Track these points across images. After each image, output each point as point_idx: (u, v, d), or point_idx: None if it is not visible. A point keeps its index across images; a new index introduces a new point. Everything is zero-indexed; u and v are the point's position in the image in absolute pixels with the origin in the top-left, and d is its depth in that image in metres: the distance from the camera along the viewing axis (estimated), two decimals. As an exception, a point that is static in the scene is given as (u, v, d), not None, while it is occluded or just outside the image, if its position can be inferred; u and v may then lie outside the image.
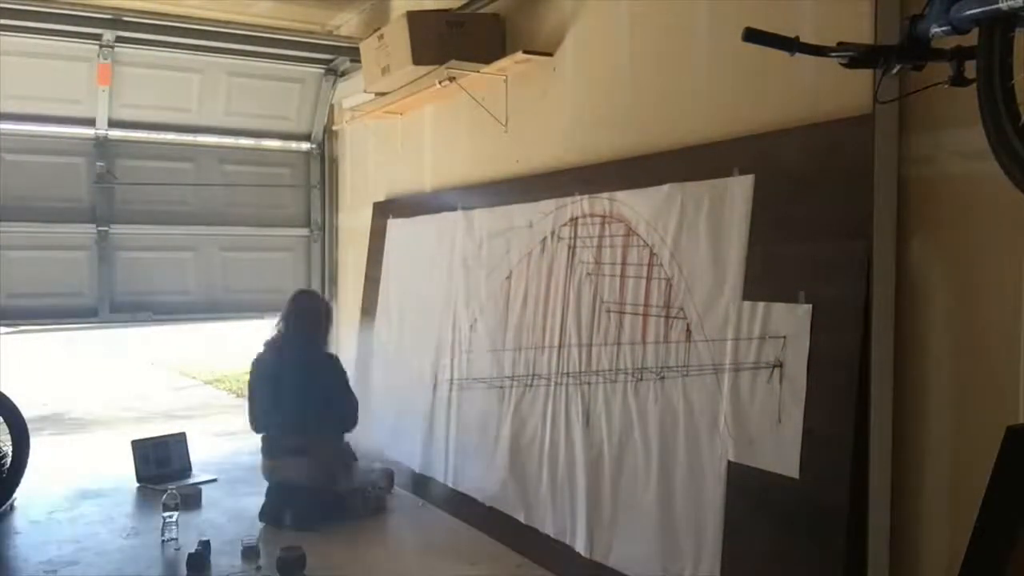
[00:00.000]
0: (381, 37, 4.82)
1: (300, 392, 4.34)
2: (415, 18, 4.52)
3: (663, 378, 3.23)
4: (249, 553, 3.91)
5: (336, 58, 6.34)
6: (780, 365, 2.77)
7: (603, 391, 3.52)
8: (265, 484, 4.51)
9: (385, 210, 5.82)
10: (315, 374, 4.42)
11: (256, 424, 4.53)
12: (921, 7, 1.91)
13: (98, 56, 5.77)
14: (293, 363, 4.42)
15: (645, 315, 3.36)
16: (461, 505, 4.48)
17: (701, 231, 3.13)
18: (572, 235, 3.84)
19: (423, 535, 4.35)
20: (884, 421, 2.52)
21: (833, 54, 2.04)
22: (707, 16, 3.28)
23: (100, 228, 6.04)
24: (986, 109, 1.71)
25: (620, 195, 3.57)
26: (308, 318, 4.54)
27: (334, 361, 4.64)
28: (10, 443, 4.55)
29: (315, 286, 6.81)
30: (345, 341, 6.47)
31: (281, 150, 6.79)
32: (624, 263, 3.50)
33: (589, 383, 3.62)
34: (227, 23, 5.87)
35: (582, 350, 3.68)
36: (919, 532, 2.52)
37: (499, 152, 4.59)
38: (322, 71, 6.47)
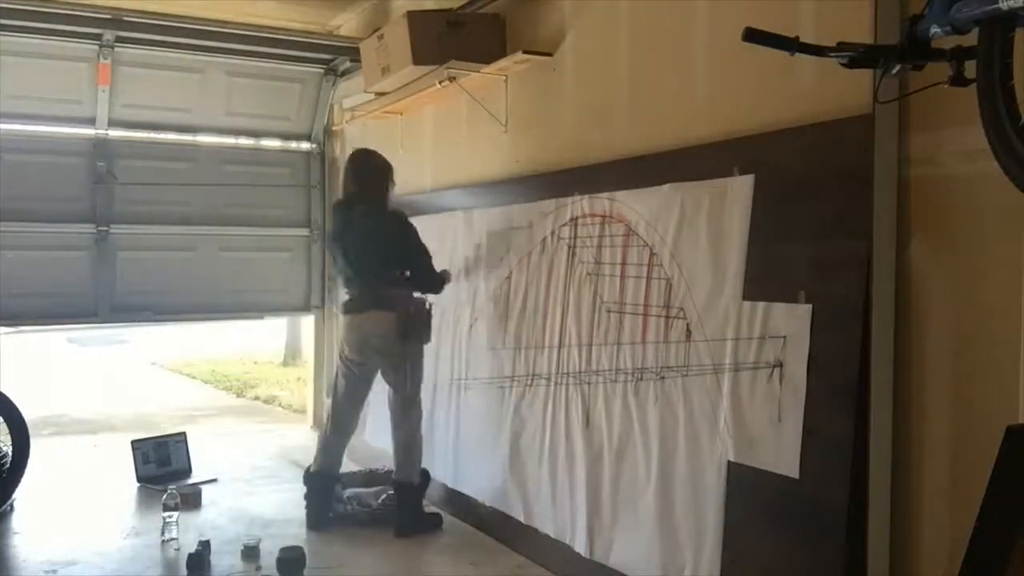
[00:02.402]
0: (381, 37, 4.82)
1: (359, 247, 4.39)
2: (415, 18, 4.52)
3: (663, 378, 3.23)
4: (249, 553, 3.92)
5: (336, 58, 6.33)
6: (780, 365, 2.77)
7: (603, 391, 3.52)
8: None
9: (385, 210, 5.82)
10: (372, 230, 4.38)
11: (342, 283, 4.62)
12: (921, 7, 1.91)
13: (98, 56, 5.76)
14: (352, 221, 4.43)
15: (645, 315, 3.36)
16: (461, 505, 4.49)
17: (701, 231, 3.13)
18: (572, 235, 3.84)
19: (423, 534, 4.35)
20: (884, 421, 2.52)
21: (833, 54, 2.04)
22: (707, 16, 3.28)
23: (100, 228, 6.03)
24: (986, 109, 1.71)
25: (620, 195, 3.57)
26: (354, 177, 4.49)
27: (397, 218, 4.45)
28: (10, 443, 4.55)
29: (315, 286, 6.82)
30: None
31: (281, 150, 6.78)
32: (624, 263, 3.50)
33: (589, 383, 3.62)
34: (227, 23, 5.86)
35: (582, 350, 3.68)
36: (919, 532, 2.52)
37: (499, 152, 4.59)
38: (322, 71, 6.47)
